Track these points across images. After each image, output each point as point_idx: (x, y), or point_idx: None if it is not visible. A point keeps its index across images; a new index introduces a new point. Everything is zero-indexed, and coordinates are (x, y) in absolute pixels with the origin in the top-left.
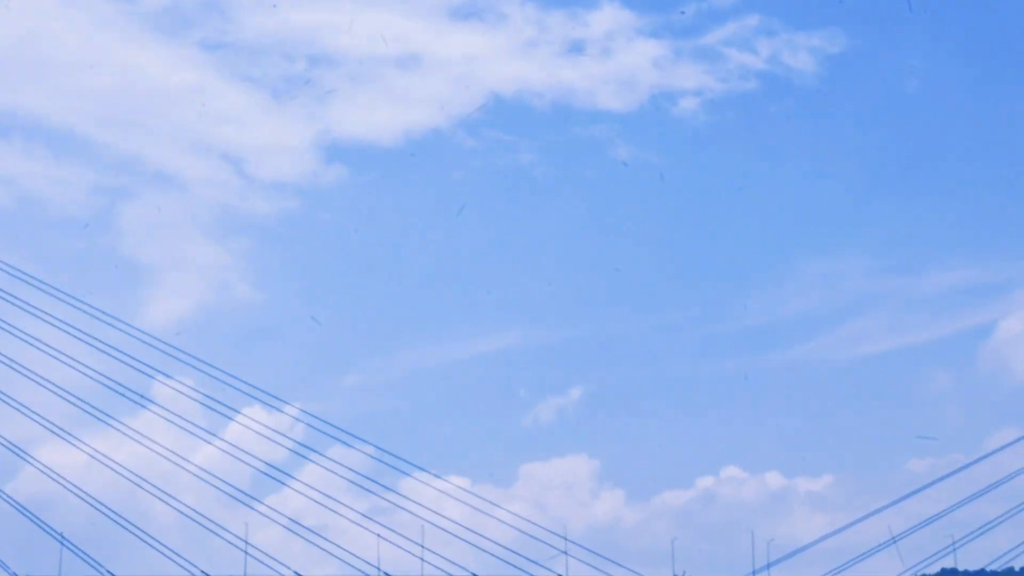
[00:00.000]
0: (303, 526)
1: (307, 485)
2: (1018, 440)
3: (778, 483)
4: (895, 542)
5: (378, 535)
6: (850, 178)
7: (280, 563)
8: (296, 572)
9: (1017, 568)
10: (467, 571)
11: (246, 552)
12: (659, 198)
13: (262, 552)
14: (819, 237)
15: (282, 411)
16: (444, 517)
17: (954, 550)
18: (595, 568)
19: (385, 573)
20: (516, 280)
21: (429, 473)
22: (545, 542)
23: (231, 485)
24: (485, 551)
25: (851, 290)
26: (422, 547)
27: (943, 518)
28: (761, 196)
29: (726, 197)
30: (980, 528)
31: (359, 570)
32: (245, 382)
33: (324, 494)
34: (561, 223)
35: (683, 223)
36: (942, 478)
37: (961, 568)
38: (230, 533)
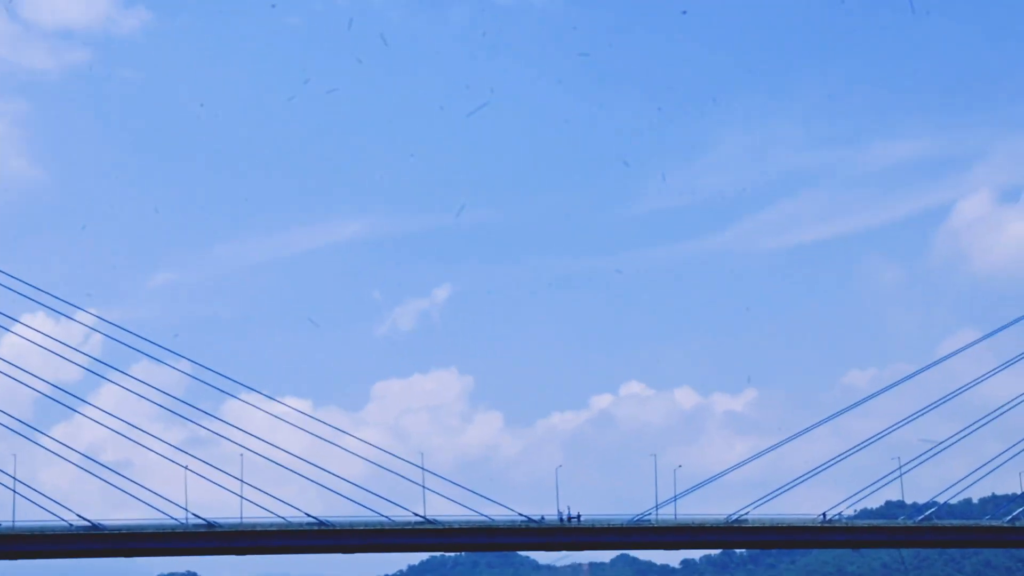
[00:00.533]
0: (98, 462)
1: (105, 412)
2: (975, 343)
3: (690, 401)
4: (828, 467)
5: (190, 469)
6: (780, 29)
7: (63, 507)
8: (82, 517)
9: (976, 500)
10: (305, 513)
11: (15, 493)
12: (559, 42)
13: (40, 494)
14: (742, 101)
15: (72, 319)
16: (278, 448)
17: (900, 476)
18: (463, 506)
19: (198, 518)
20: (367, 155)
21: (259, 394)
22: (403, 476)
23: (5, 413)
24: (329, 488)
25: (779, 165)
26: (247, 485)
27: (886, 437)
28: (673, 53)
29: (632, 52)
30: (930, 451)
31: (167, 515)
32: (24, 282)
33: (126, 423)
34: (424, 85)
35: (579, 81)
36: (885, 389)
37: (909, 500)
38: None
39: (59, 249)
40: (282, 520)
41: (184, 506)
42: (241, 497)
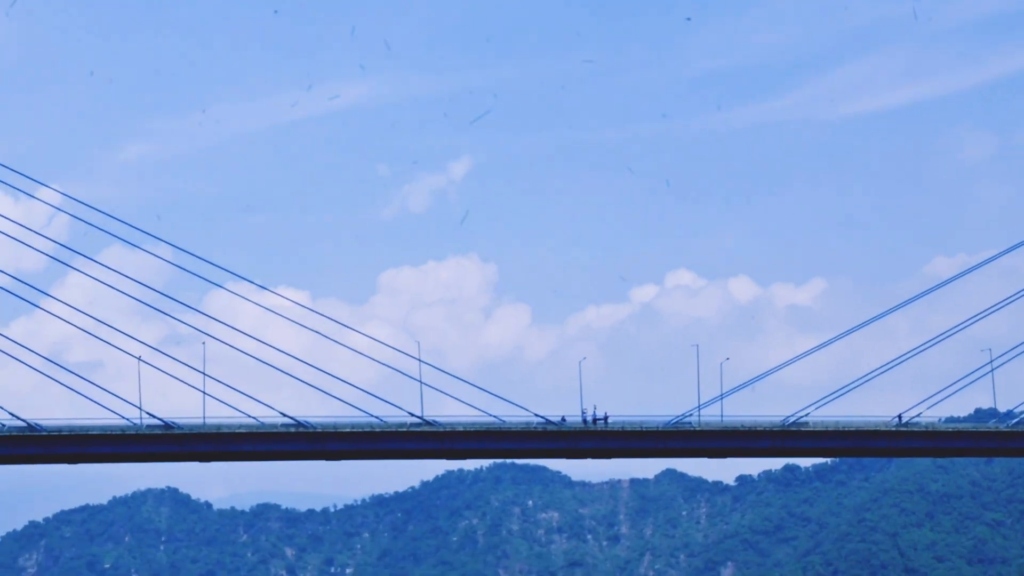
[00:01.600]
0: (60, 366)
1: (71, 307)
2: None
3: (747, 293)
4: (904, 362)
5: (165, 371)
6: None
7: (13, 416)
8: (15, 416)
9: None
10: (280, 413)
11: None
12: None
13: None
14: None
15: (33, 197)
16: (270, 347)
17: (992, 373)
18: (479, 410)
19: (153, 417)
20: (346, 88)
21: (250, 284)
22: (414, 378)
23: None
24: (329, 394)
25: (848, 19)
26: (228, 387)
27: (974, 332)
28: None
29: None
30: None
31: (130, 421)
32: None
33: (95, 319)
34: (413, 9)
35: (577, 14)
36: (965, 273)
37: (1003, 407)
38: None
39: (17, 116)
40: (253, 421)
41: (139, 405)
42: (204, 393)
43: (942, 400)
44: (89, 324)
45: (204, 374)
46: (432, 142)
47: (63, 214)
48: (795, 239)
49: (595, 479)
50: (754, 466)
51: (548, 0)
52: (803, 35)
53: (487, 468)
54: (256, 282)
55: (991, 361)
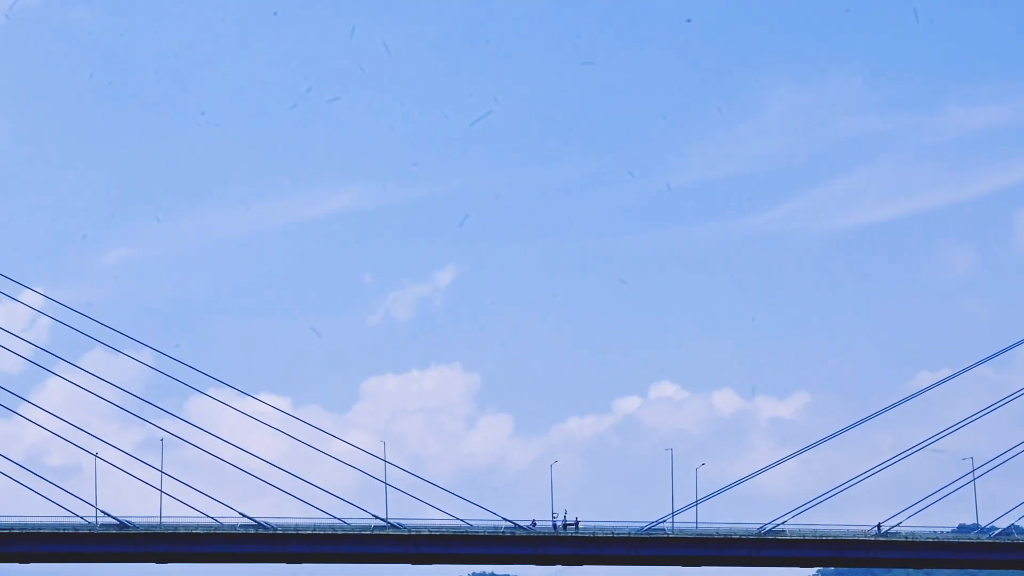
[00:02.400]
0: (32, 471)
1: (47, 412)
2: None
3: (731, 406)
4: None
5: (138, 478)
6: None
7: None
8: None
9: None
10: (240, 513)
11: None
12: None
13: None
14: (793, 53)
15: (16, 299)
16: (249, 454)
17: (974, 481)
18: (449, 515)
19: (107, 516)
20: (356, 116)
21: (232, 390)
22: (396, 487)
23: None
24: (306, 503)
25: (837, 132)
26: (192, 491)
27: (956, 448)
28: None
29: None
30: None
31: (84, 520)
32: None
33: (73, 425)
34: (420, 36)
35: (598, 35)
36: (941, 382)
37: (986, 521)
38: None
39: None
40: (212, 521)
41: (94, 503)
42: (161, 492)
43: (923, 510)
44: (67, 428)
45: (162, 472)
46: (416, 252)
47: (44, 317)
48: (780, 352)
49: None
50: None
51: (530, 109)
52: (793, 147)
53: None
54: (237, 387)
55: (973, 471)
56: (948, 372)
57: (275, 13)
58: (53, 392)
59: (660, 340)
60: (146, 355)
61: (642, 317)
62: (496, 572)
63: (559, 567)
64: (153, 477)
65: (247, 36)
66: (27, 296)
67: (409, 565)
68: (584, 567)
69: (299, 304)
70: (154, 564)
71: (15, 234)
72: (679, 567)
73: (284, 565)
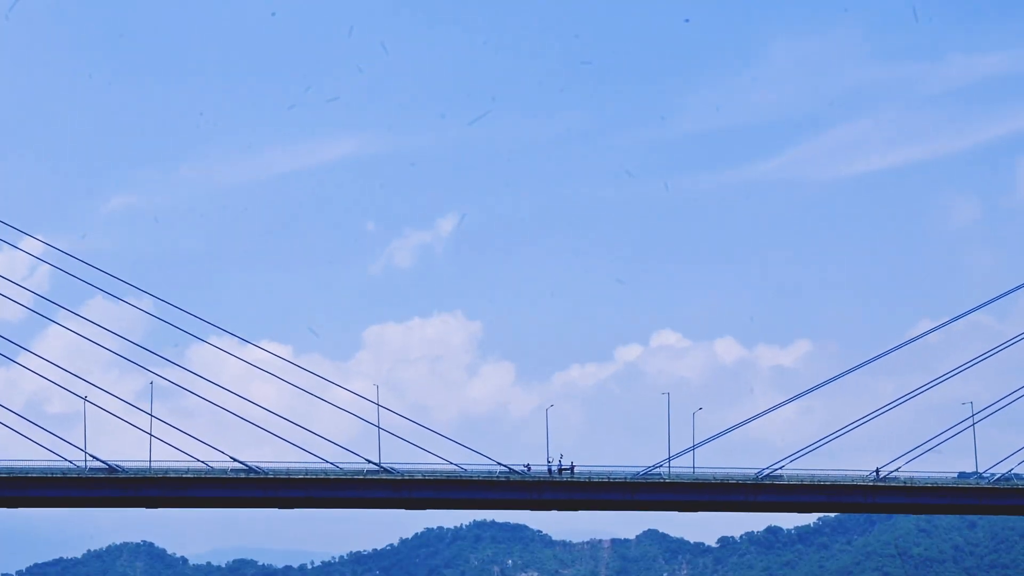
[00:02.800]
0: (27, 419)
1: (47, 361)
2: None
3: (732, 353)
4: (881, 415)
5: (139, 428)
6: None
7: None
8: None
9: None
10: (231, 457)
11: None
12: None
13: None
14: (794, 4)
15: (16, 247)
16: (250, 402)
17: (974, 426)
18: (443, 459)
19: (96, 459)
20: (356, 64)
21: (233, 337)
22: (396, 435)
23: None
24: (308, 451)
25: (839, 82)
26: (199, 442)
27: (957, 397)
28: None
29: None
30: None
31: (72, 464)
32: None
33: (72, 374)
34: (418, 36)
35: (575, 17)
36: (942, 325)
37: (986, 469)
38: None
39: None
40: (202, 465)
41: (83, 447)
42: (151, 435)
43: (921, 456)
44: (67, 377)
45: (152, 416)
46: (418, 200)
47: (43, 265)
48: (780, 300)
49: (576, 538)
50: (735, 527)
51: (538, 61)
52: (796, 96)
53: (467, 527)
54: (238, 335)
55: (972, 415)
56: (948, 320)
57: (273, 13)
58: (53, 340)
59: (662, 289)
60: (146, 302)
61: (644, 266)
62: (496, 519)
63: (556, 511)
64: (147, 423)
65: (246, 36)
66: (26, 244)
67: (403, 510)
68: (580, 512)
69: (303, 252)
70: (145, 509)
71: (14, 182)
72: (676, 512)
73: (276, 510)
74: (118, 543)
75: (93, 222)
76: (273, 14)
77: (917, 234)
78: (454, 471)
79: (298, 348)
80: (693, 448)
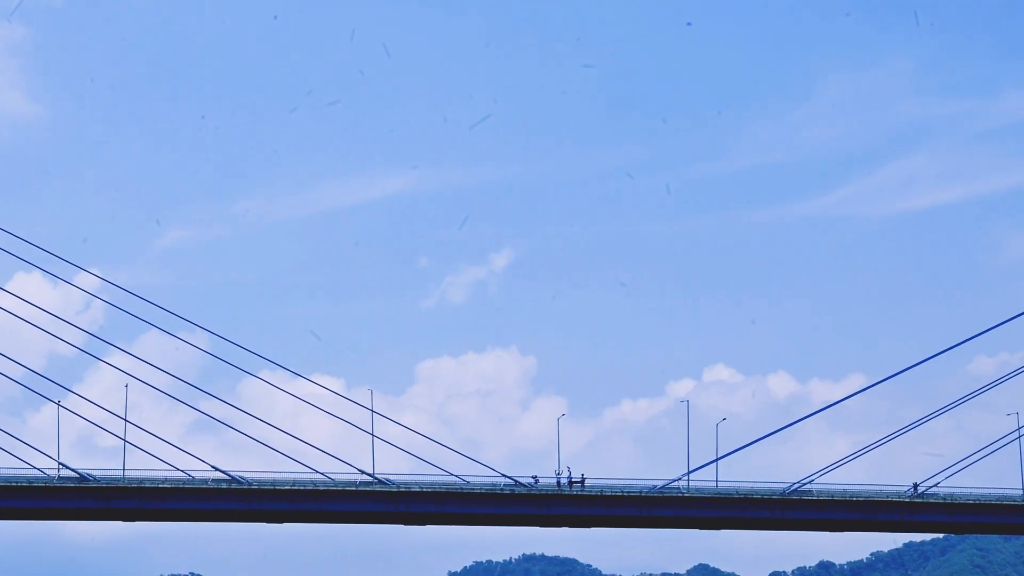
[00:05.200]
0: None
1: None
2: None
3: (785, 388)
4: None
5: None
6: None
7: None
8: None
9: None
10: (212, 467)
11: None
12: None
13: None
14: (846, 40)
15: (70, 283)
16: (298, 440)
17: (1020, 439)
18: (444, 471)
19: (67, 468)
20: (357, 67)
21: (286, 371)
22: (446, 470)
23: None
24: (298, 460)
25: (892, 116)
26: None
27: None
28: None
29: None
30: None
31: (42, 472)
32: (15, 236)
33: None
34: (476, 24)
35: (655, 22)
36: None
37: None
38: None
39: (56, 199)
40: (183, 475)
41: (56, 457)
42: (125, 441)
43: (964, 470)
44: (118, 406)
45: (126, 421)
46: (472, 235)
47: (98, 300)
48: (834, 335)
49: (626, 572)
50: (787, 561)
51: (595, 101)
52: (850, 132)
53: (516, 560)
54: (290, 369)
55: (1019, 427)
56: (1006, 356)
57: (275, 17)
58: (107, 373)
59: (715, 324)
60: (201, 337)
61: (697, 301)
62: (545, 552)
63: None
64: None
65: (248, 39)
66: (82, 278)
67: (401, 526)
68: (631, 545)
69: (357, 286)
70: (120, 522)
71: (71, 216)
72: (695, 530)
73: (263, 525)
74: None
75: (148, 256)
76: (275, 17)
77: (973, 268)
78: (454, 483)
79: (350, 381)
80: (716, 460)
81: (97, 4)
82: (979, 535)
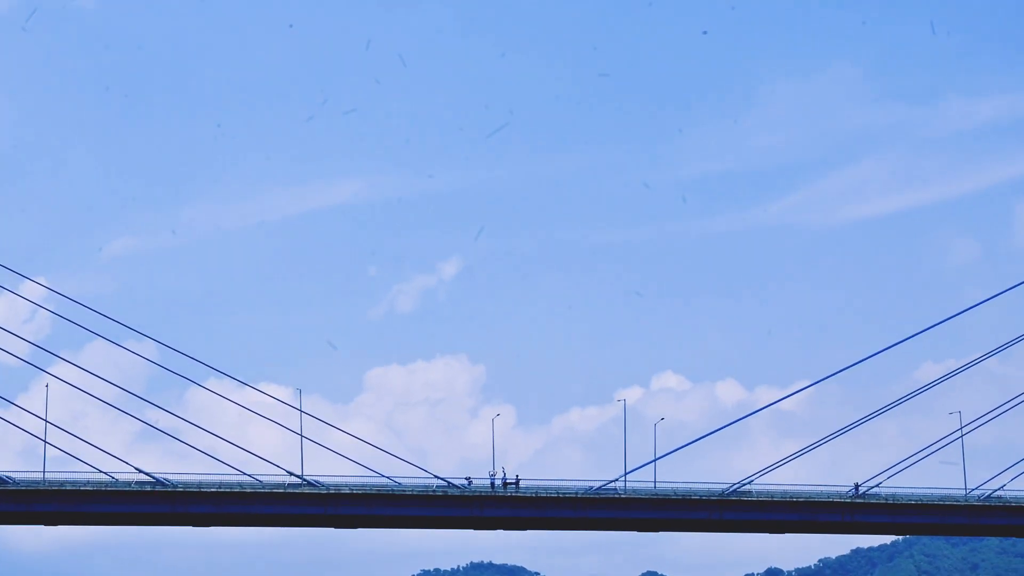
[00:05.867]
0: None
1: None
2: None
3: (733, 396)
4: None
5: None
6: None
7: None
8: None
9: None
10: (136, 469)
11: None
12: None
13: None
14: (792, 46)
15: (15, 292)
16: (241, 450)
17: (962, 439)
18: (375, 472)
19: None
20: (361, 103)
21: (232, 380)
22: (393, 479)
23: None
24: (227, 463)
25: (839, 124)
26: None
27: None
28: None
29: None
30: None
31: None
32: None
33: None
34: (435, 49)
35: (593, 29)
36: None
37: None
38: None
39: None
40: (106, 478)
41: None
42: (45, 442)
43: (906, 468)
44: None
45: (47, 422)
46: (421, 243)
47: (43, 310)
48: (781, 342)
49: None
50: (737, 567)
51: (539, 104)
52: (796, 140)
53: (464, 568)
54: (237, 378)
55: (960, 427)
56: (952, 363)
57: (291, 25)
58: (51, 384)
59: (664, 331)
60: (146, 346)
61: (646, 309)
62: (493, 560)
63: (500, 530)
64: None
65: (263, 48)
66: (27, 288)
67: (331, 529)
68: (582, 553)
69: (304, 294)
70: (43, 526)
71: (14, 224)
72: (633, 532)
73: (189, 529)
74: None
75: (93, 265)
76: (291, 26)
77: (919, 276)
78: (386, 484)
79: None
80: (655, 460)
81: (100, 10)
82: (926, 541)
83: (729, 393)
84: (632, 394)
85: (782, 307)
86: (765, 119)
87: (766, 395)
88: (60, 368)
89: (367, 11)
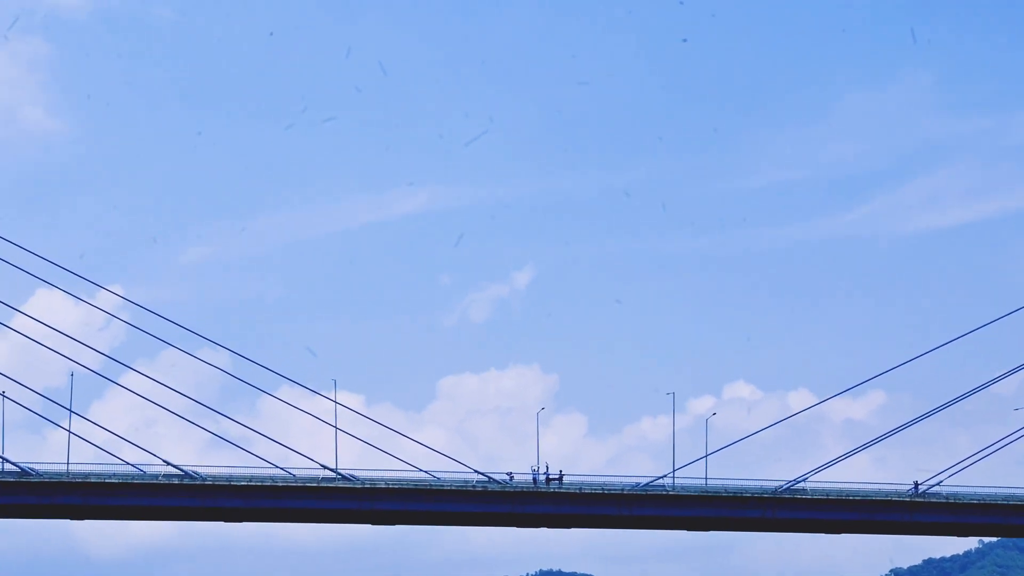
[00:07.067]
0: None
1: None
2: None
3: (805, 405)
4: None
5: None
6: None
7: None
8: None
9: None
10: (164, 461)
11: None
12: (636, 8)
13: None
14: (865, 58)
15: (89, 302)
16: (308, 460)
17: None
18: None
19: (22, 470)
20: (353, 84)
21: (304, 388)
22: (430, 474)
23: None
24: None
25: (913, 134)
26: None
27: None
28: (780, 3)
29: (734, 5)
30: None
31: None
32: (34, 254)
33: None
34: (416, 56)
35: (670, 41)
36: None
37: None
38: None
39: (76, 216)
40: (131, 470)
41: None
42: (69, 432)
43: (970, 466)
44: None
45: (70, 411)
46: (493, 253)
47: (117, 319)
48: (855, 353)
49: None
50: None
51: (609, 114)
52: (869, 150)
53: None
54: (308, 386)
55: None
56: None
57: (271, 33)
58: (121, 395)
59: (735, 341)
60: (219, 355)
61: (718, 318)
62: (563, 568)
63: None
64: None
65: (243, 56)
66: (101, 296)
67: (383, 536)
68: (647, 560)
69: (376, 303)
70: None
71: (92, 232)
72: (681, 530)
73: (220, 524)
74: None
75: (168, 274)
76: (271, 34)
77: (997, 286)
78: (423, 479)
79: (370, 398)
80: (706, 456)
81: (116, 22)
82: (999, 551)
83: (801, 401)
84: (704, 403)
85: (855, 317)
86: (839, 129)
87: (838, 405)
88: (129, 378)
89: (347, 19)
